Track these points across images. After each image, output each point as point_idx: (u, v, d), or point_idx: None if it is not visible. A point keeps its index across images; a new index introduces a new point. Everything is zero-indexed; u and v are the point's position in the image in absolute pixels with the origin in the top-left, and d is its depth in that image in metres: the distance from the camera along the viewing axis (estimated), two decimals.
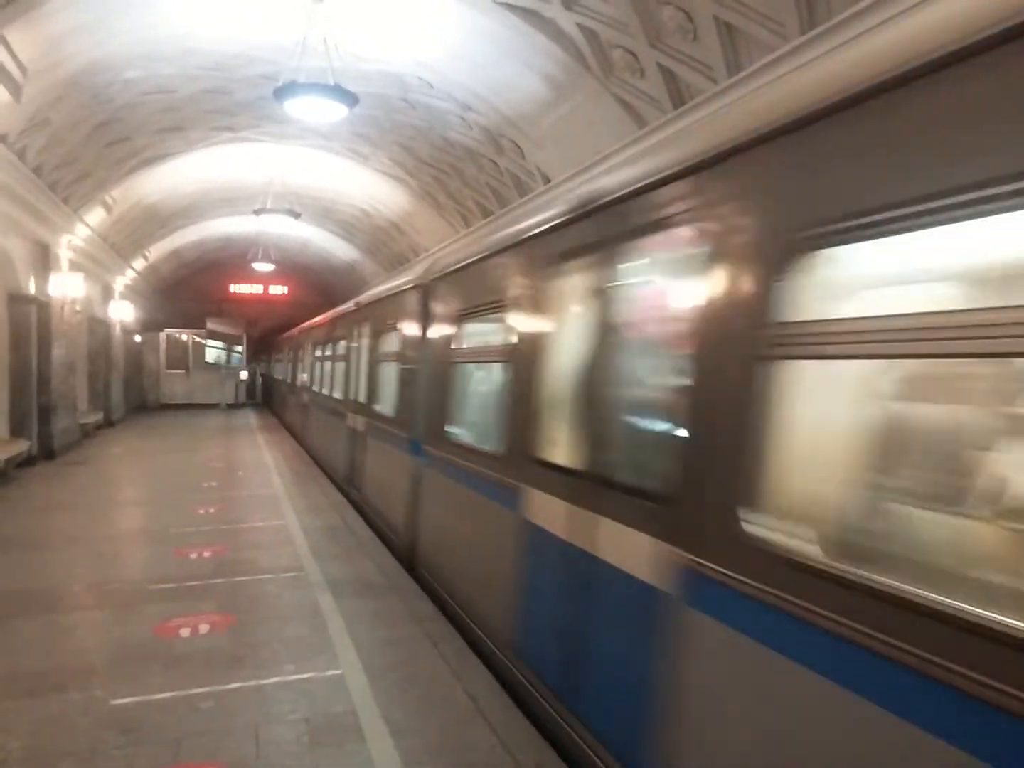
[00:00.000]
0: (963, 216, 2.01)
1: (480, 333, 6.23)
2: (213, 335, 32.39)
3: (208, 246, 27.47)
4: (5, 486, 11.64)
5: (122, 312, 23.05)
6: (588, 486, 3.88)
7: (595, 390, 3.92)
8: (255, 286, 32.56)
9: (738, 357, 2.77)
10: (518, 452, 4.79)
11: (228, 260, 29.77)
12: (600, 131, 9.51)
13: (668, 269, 3.69)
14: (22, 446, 13.00)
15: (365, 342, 10.57)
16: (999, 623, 1.83)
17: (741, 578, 2.68)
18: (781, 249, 2.54)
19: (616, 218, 3.75)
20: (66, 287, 15.63)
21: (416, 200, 17.36)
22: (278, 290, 32.98)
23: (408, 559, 7.47)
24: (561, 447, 4.31)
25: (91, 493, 11.53)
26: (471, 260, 6.06)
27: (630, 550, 3.44)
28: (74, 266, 16.42)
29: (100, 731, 4.14)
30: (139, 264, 24.11)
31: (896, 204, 2.16)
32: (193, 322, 31.40)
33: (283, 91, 9.42)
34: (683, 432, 3.12)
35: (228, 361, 32.99)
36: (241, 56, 11.21)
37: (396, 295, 8.88)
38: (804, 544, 2.50)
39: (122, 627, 5.75)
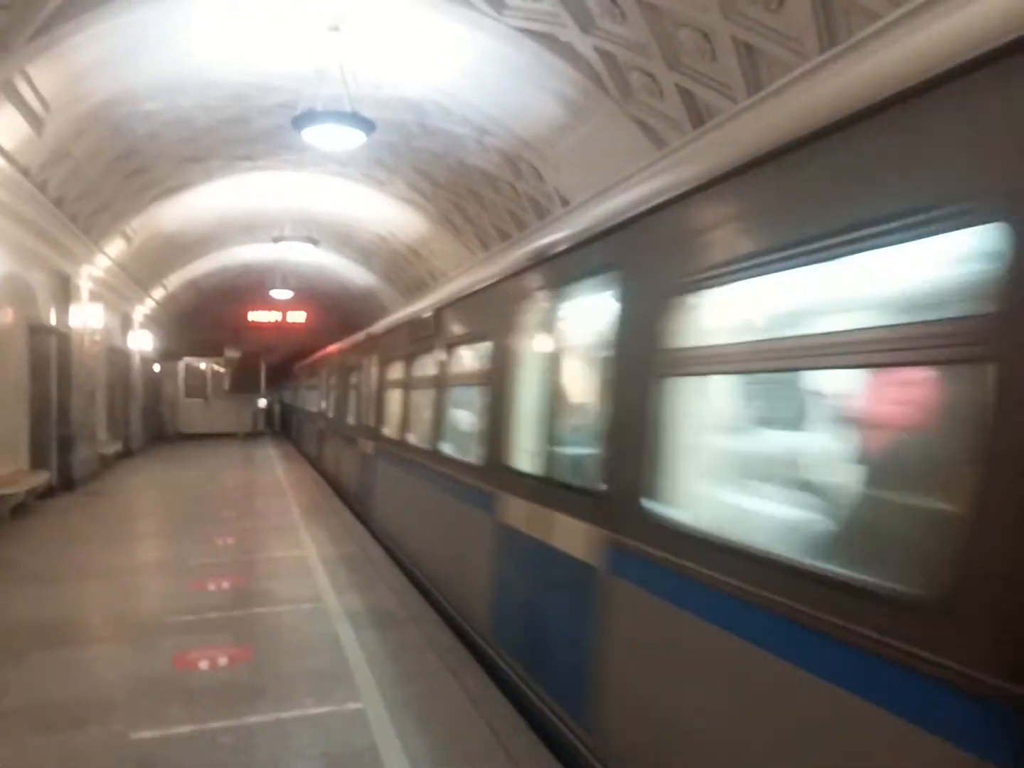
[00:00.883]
0: None
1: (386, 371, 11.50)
2: (231, 364, 32.53)
3: (226, 274, 27.63)
4: (25, 518, 11.64)
5: (141, 342, 23.22)
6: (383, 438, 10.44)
7: (370, 390, 11.45)
8: (273, 313, 32.64)
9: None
10: (365, 427, 11.64)
11: (246, 288, 29.90)
12: (619, 153, 9.48)
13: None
14: (42, 477, 13.03)
15: (326, 374, 18.13)
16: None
17: (383, 447, 10.25)
18: None
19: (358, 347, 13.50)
20: (86, 318, 15.76)
21: (433, 225, 17.41)
22: (296, 317, 33.04)
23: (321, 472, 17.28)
24: (390, 423, 9.97)
25: (110, 524, 11.53)
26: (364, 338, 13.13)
27: (365, 446, 11.59)
28: (94, 297, 16.56)
29: (120, 765, 4.08)
30: (158, 293, 24.31)
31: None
32: (211, 350, 31.56)
33: (301, 119, 9.49)
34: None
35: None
36: (259, 86, 11.30)
37: (342, 350, 15.86)
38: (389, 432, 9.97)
39: (141, 660, 5.69)
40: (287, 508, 12.93)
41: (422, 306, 8.58)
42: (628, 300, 3.74)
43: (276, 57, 10.43)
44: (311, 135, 9.79)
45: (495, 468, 5.41)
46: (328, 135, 9.79)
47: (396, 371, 9.66)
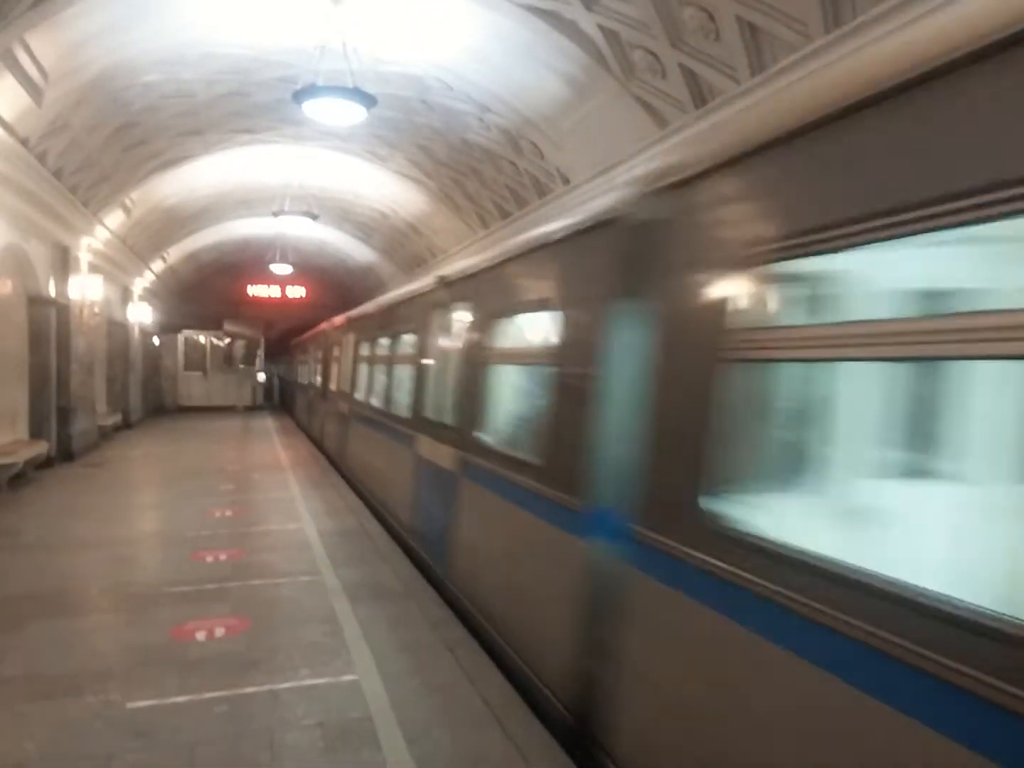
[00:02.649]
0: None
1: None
2: (231, 337, 32.51)
3: (226, 248, 27.58)
4: (24, 488, 11.69)
5: (140, 314, 23.19)
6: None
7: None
8: (273, 288, 32.58)
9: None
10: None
11: (246, 262, 29.88)
12: (621, 132, 9.45)
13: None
14: (41, 448, 13.06)
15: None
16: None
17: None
18: None
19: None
20: (85, 289, 15.73)
21: (434, 201, 17.35)
22: (296, 292, 32.99)
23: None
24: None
25: (109, 495, 11.56)
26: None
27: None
28: (93, 268, 16.52)
29: (115, 735, 4.11)
30: (157, 266, 24.24)
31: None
32: (211, 324, 31.53)
33: (302, 94, 9.43)
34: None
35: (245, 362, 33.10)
36: (260, 59, 11.22)
37: (319, 334, 18.54)
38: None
39: (138, 630, 5.74)
40: (285, 482, 12.97)
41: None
42: None
43: (277, 30, 10.35)
44: (312, 109, 9.73)
45: None
46: (329, 110, 9.74)
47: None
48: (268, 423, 26.44)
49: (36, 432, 13.62)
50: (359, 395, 12.43)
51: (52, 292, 14.06)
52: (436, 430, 7.14)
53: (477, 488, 5.96)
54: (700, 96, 8.18)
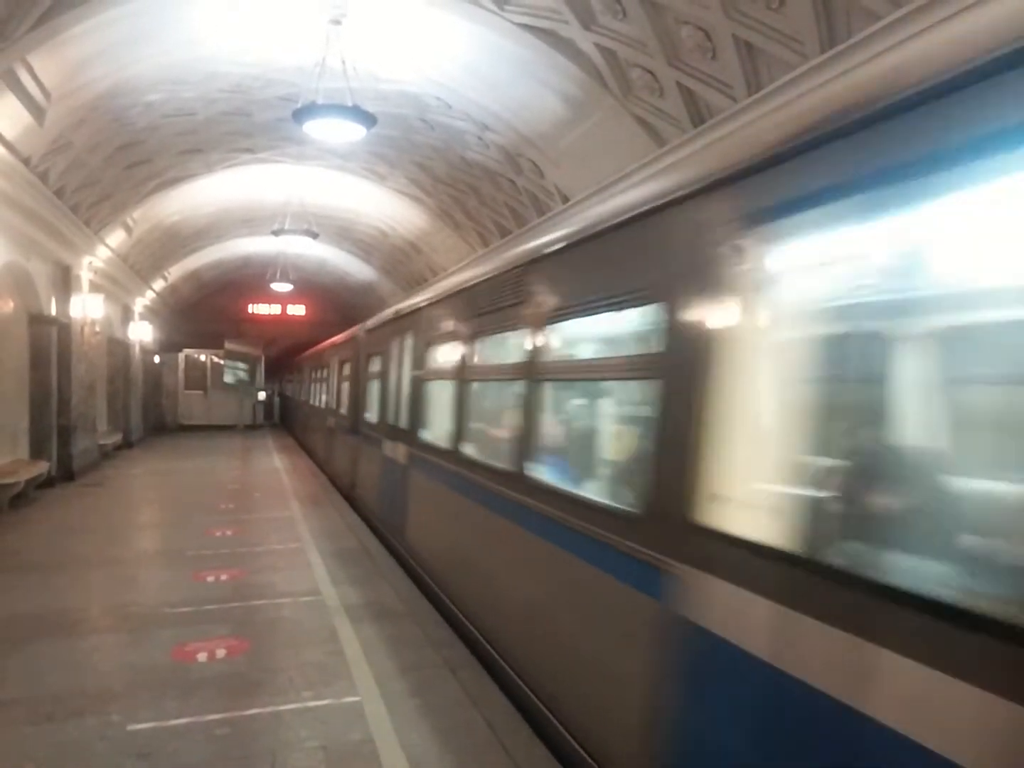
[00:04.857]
0: None
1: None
2: (231, 355, 32.52)
3: (227, 266, 27.63)
4: (25, 507, 11.67)
5: (141, 333, 23.23)
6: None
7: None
8: (273, 306, 32.66)
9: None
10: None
11: (246, 280, 29.92)
12: (619, 150, 9.49)
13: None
14: (42, 467, 13.05)
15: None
16: None
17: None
18: None
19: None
20: (86, 308, 15.77)
21: (433, 219, 17.41)
22: (296, 310, 33.07)
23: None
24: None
25: (109, 515, 11.55)
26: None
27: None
28: (95, 287, 16.56)
29: (117, 757, 4.10)
30: (158, 285, 24.30)
31: None
32: (212, 342, 31.55)
33: (302, 113, 9.49)
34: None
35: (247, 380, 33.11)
36: (261, 78, 11.30)
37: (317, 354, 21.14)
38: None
39: (139, 651, 5.72)
40: (285, 502, 12.95)
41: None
42: None
43: (278, 49, 10.43)
44: (312, 128, 9.79)
45: None
46: (330, 128, 9.81)
47: None
48: (268, 442, 26.42)
49: (37, 451, 13.61)
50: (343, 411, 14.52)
51: (53, 311, 14.09)
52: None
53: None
54: (698, 114, 8.23)
